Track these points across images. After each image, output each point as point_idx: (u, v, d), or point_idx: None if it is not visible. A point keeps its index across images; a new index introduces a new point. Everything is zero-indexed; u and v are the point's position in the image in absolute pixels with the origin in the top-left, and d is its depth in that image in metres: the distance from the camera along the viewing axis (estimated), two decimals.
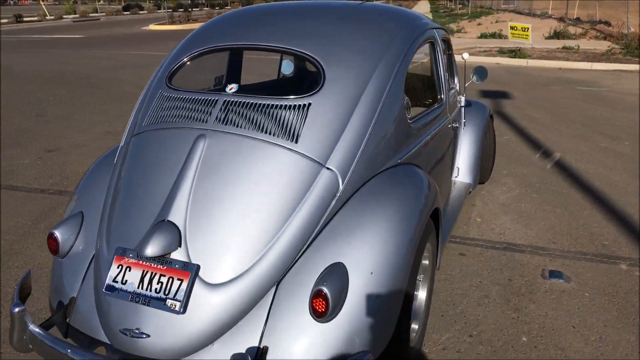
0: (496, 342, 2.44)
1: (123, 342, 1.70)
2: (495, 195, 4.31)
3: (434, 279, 2.50)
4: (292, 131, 1.94)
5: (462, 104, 3.77)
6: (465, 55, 3.72)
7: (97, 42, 17.84)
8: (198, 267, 1.72)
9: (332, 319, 1.68)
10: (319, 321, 1.67)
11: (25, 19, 31.37)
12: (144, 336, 1.68)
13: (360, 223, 1.86)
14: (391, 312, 1.81)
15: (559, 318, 2.64)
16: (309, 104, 2.00)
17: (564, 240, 3.49)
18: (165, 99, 2.15)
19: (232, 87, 2.14)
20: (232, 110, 2.02)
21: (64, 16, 35.44)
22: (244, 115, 2.00)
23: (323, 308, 1.64)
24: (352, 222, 1.86)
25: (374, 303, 1.75)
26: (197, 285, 1.70)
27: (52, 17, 33.75)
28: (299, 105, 2.00)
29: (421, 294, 2.39)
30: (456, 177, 3.93)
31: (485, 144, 4.24)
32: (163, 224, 1.78)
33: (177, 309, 1.68)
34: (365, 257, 1.78)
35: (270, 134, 1.94)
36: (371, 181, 2.04)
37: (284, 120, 1.96)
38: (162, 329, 1.67)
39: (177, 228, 1.77)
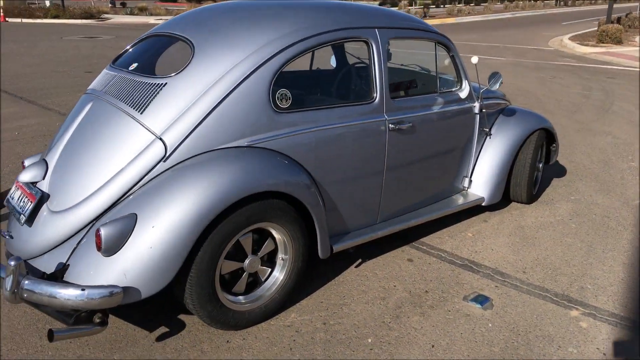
0: (343, 334, 2.53)
1: (6, 242, 2.49)
2: (523, 216, 3.93)
3: (300, 263, 2.66)
4: (141, 104, 2.45)
5: (476, 110, 3.60)
6: (475, 59, 3.54)
7: None
8: (46, 195, 2.40)
9: (111, 255, 2.17)
10: (103, 254, 2.17)
11: None
12: (9, 237, 2.44)
13: (166, 187, 2.26)
14: (164, 266, 2.17)
15: (428, 334, 2.55)
16: (165, 84, 2.47)
17: (537, 273, 3.13)
18: (103, 74, 2.86)
19: (133, 66, 2.73)
20: (117, 83, 2.64)
21: None
22: (121, 87, 2.60)
23: (99, 244, 2.14)
24: (163, 184, 2.28)
25: (148, 252, 2.16)
26: (43, 208, 2.38)
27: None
28: (156, 84, 2.49)
29: (276, 273, 2.64)
30: (466, 187, 3.77)
31: (521, 160, 3.92)
32: (41, 161, 2.53)
33: (22, 221, 2.39)
34: (155, 214, 2.20)
35: (127, 104, 2.49)
36: (201, 155, 2.40)
37: (140, 95, 2.48)
38: (17, 234, 2.41)
39: (47, 165, 2.49)
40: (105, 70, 2.85)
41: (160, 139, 2.36)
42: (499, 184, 3.81)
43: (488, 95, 3.89)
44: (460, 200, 3.70)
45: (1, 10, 24.12)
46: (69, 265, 2.24)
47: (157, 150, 2.35)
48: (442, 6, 42.38)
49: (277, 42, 2.59)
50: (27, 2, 29.80)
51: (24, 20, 24.51)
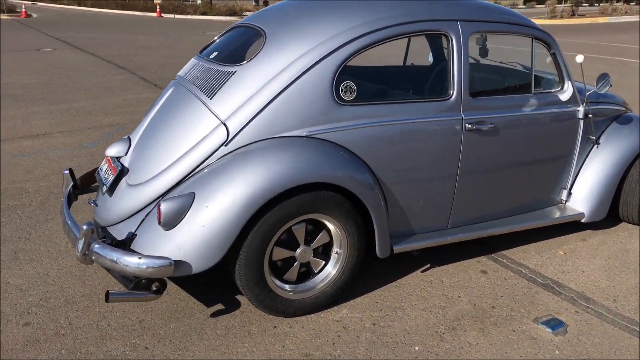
0: (391, 338, 2.44)
1: (94, 210, 2.76)
2: (631, 239, 3.47)
3: (354, 259, 2.62)
4: (212, 90, 2.57)
5: (580, 115, 3.26)
6: (579, 58, 3.17)
7: None
8: (126, 169, 2.62)
9: (169, 229, 2.31)
10: (162, 228, 2.32)
11: None
12: (95, 205, 2.71)
13: (223, 170, 2.35)
14: (213, 245, 2.25)
15: (482, 352, 2.36)
16: (234, 71, 2.56)
17: (630, 303, 2.74)
18: (190, 62, 3.04)
19: (213, 54, 2.86)
20: (196, 71, 2.82)
21: None
22: (199, 74, 2.76)
23: (159, 218, 2.29)
24: (222, 167, 2.37)
25: (201, 231, 2.26)
26: (122, 181, 2.60)
27: None
28: (227, 72, 2.59)
29: (329, 266, 2.62)
30: (563, 200, 3.43)
31: (633, 176, 3.47)
32: (126, 139, 2.78)
33: (104, 192, 2.64)
34: (211, 195, 2.29)
35: (200, 90, 2.64)
36: (260, 142, 2.45)
37: (212, 82, 2.61)
38: (100, 203, 2.66)
39: (130, 142, 2.73)
40: (192, 59, 3.04)
41: (224, 124, 2.46)
42: (603, 200, 3.41)
43: (598, 100, 3.50)
44: (555, 213, 3.37)
45: (158, 7, 26.79)
46: (136, 235, 2.43)
47: (220, 134, 2.45)
48: (595, 4, 38.81)
49: (344, 34, 2.56)
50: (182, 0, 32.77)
51: (177, 16, 26.96)
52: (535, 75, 3.36)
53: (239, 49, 2.78)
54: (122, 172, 2.64)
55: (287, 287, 2.54)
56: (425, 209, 2.88)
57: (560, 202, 3.47)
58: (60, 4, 36.56)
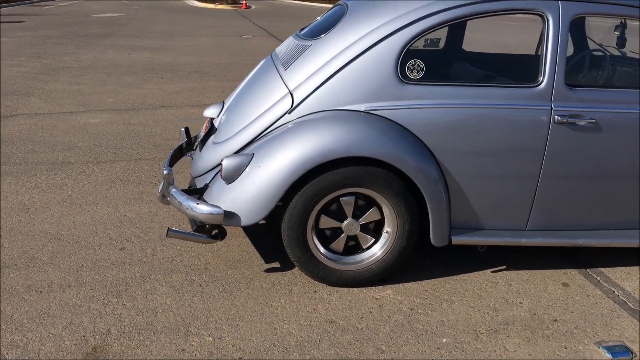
0: (422, 325, 2.37)
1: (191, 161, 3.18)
2: None
3: (404, 242, 2.58)
4: (288, 62, 2.74)
5: None
6: None
7: None
8: (215, 128, 2.95)
9: (229, 183, 2.56)
10: (224, 181, 2.59)
11: None
12: (191, 158, 3.12)
13: (281, 135, 2.51)
14: (259, 202, 2.43)
15: None
16: (310, 45, 2.69)
17: None
18: (286, 40, 3.25)
19: (304, 30, 3.02)
20: (285, 46, 3.04)
21: None
22: (285, 49, 2.98)
23: (221, 172, 2.56)
24: (281, 133, 2.53)
25: (251, 187, 2.46)
26: (210, 139, 2.94)
27: None
28: (305, 45, 2.73)
29: (378, 245, 2.62)
30: None
31: None
32: (221, 103, 3.13)
33: (196, 147, 3.01)
34: (265, 157, 2.48)
35: (281, 62, 2.85)
36: (320, 113, 2.54)
37: (292, 55, 2.78)
38: (195, 156, 3.04)
39: (223, 106, 3.06)
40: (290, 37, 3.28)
41: (291, 93, 2.62)
42: None
43: None
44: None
45: None
46: (208, 185, 2.75)
47: (286, 102, 2.62)
48: None
49: (416, 12, 2.51)
50: None
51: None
52: None
53: (324, 25, 2.90)
54: (211, 131, 2.99)
55: (331, 255, 2.62)
56: (498, 205, 2.69)
57: None
58: None
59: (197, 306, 2.46)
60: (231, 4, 28.64)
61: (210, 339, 2.25)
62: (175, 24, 15.72)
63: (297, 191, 2.46)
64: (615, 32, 3.23)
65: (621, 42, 3.21)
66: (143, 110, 5.92)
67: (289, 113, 2.61)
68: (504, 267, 2.89)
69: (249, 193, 2.47)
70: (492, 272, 2.84)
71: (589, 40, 3.40)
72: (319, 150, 2.41)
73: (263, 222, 3.22)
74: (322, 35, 2.72)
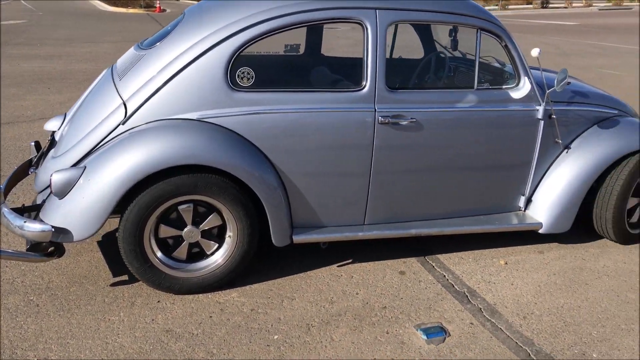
0: (258, 325, 2.46)
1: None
2: (599, 257, 3.08)
3: (245, 245, 2.65)
4: (124, 72, 2.74)
5: (540, 115, 2.95)
6: (535, 52, 2.85)
7: (579, 30, 17.53)
8: (55, 142, 2.91)
9: (60, 198, 2.50)
10: (56, 197, 2.54)
11: (551, 5, 32.93)
12: (35, 173, 3.05)
13: (112, 146, 2.50)
14: (90, 216, 2.42)
15: (337, 349, 2.29)
16: (144, 55, 2.71)
17: (540, 323, 2.47)
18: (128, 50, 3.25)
19: (145, 41, 3.03)
20: (126, 56, 3.02)
21: (595, 4, 34.93)
22: (125, 60, 2.96)
23: (50, 187, 2.50)
24: (113, 144, 2.52)
25: (80, 202, 2.43)
26: (50, 153, 2.89)
27: (581, 4, 33.94)
28: (139, 55, 2.75)
29: (221, 250, 2.68)
30: (522, 208, 3.14)
31: (608, 187, 3.07)
32: (62, 115, 3.12)
33: (37, 161, 2.96)
34: (96, 170, 2.45)
35: (117, 73, 2.83)
36: (155, 122, 2.56)
37: (128, 65, 2.78)
38: (38, 172, 2.98)
39: (65, 118, 3.07)
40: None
41: (124, 103, 2.62)
42: (565, 211, 3.05)
43: (571, 100, 3.13)
44: (508, 221, 3.09)
45: None
46: (44, 201, 2.70)
47: (120, 113, 2.61)
48: None
49: (243, 21, 2.59)
50: None
51: None
52: (485, 70, 3.12)
53: (162, 34, 2.92)
54: (52, 144, 2.94)
55: (173, 264, 2.66)
56: (336, 203, 2.82)
57: (519, 210, 3.17)
58: None
59: (29, 327, 2.41)
60: (144, 7, 27.79)
61: (36, 359, 2.22)
62: (79, 30, 15.12)
63: (129, 203, 2.48)
64: (450, 37, 3.46)
65: (454, 45, 3.44)
66: (19, 123, 5.68)
67: (123, 124, 2.61)
68: (350, 260, 3.04)
69: (80, 207, 2.46)
70: (338, 266, 2.98)
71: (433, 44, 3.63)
72: (148, 160, 2.43)
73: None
74: (157, 44, 2.74)
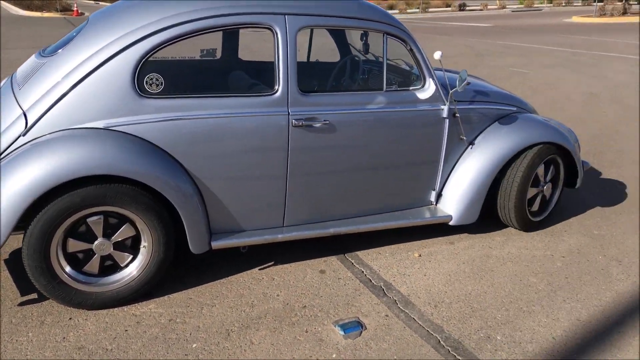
0: (176, 335, 2.43)
1: None
2: (504, 245, 3.29)
3: (161, 254, 2.62)
4: (24, 81, 2.62)
5: (445, 115, 3.10)
6: (437, 55, 3.01)
7: (492, 32, 18.42)
8: None
9: None
10: None
11: (468, 7, 34.52)
12: None
13: (14, 159, 2.38)
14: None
15: (257, 352, 2.31)
16: (45, 63, 2.60)
17: (450, 310, 2.61)
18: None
19: (48, 48, 2.93)
20: (26, 65, 2.89)
21: (508, 5, 36.95)
22: (26, 69, 2.83)
23: None
24: (14, 158, 2.40)
25: None
26: None
27: (496, 7, 35.78)
28: (40, 63, 2.64)
29: (136, 261, 2.63)
30: (433, 202, 3.29)
31: (509, 179, 3.28)
32: None
33: None
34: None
35: (17, 82, 2.71)
36: (58, 132, 2.46)
37: (28, 74, 2.66)
38: None
39: None
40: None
41: (24, 113, 2.51)
42: (471, 203, 3.23)
43: (473, 99, 3.32)
44: (420, 215, 3.23)
45: None
46: None
47: (20, 124, 2.50)
48: None
49: (150, 26, 2.55)
50: None
51: None
52: (394, 73, 3.24)
53: (64, 41, 2.82)
54: None
55: (85, 279, 2.57)
56: (254, 207, 2.84)
57: (431, 204, 3.33)
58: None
59: None
60: (61, 11, 26.53)
61: None
62: None
63: (33, 217, 2.38)
64: (361, 40, 3.58)
65: (366, 48, 3.56)
66: None
67: (24, 135, 2.50)
68: (271, 263, 3.07)
69: None
70: (259, 269, 3.00)
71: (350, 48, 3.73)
72: (50, 173, 2.34)
73: None
74: (59, 51, 2.65)
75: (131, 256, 2.65)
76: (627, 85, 8.52)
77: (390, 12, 29.02)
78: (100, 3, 37.69)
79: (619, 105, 7.14)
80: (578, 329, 2.50)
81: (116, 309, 2.62)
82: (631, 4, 28.09)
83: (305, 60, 3.94)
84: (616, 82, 8.85)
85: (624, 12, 26.00)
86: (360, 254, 3.17)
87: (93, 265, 2.59)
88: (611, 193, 4.15)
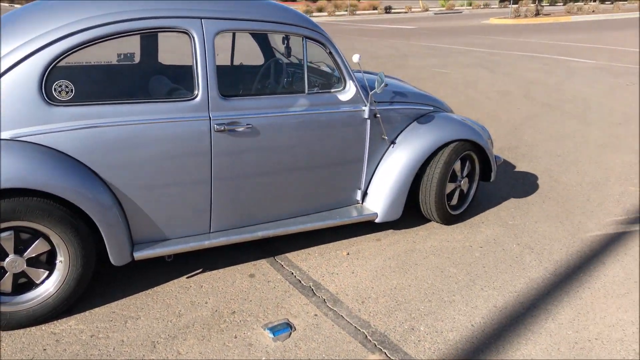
0: (98, 351, 2.35)
1: None
2: (426, 239, 3.43)
3: (80, 268, 2.52)
4: None
5: (366, 115, 3.18)
6: (356, 58, 3.10)
7: (416, 33, 19.01)
8: None
9: None
10: None
11: (394, 10, 35.49)
12: None
13: None
14: None
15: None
16: None
17: (377, 305, 2.69)
18: None
19: None
20: None
21: (431, 8, 38.32)
22: None
23: None
24: None
25: None
26: None
27: (419, 9, 37.00)
28: None
29: (52, 277, 2.51)
30: (359, 201, 3.36)
31: (428, 175, 3.41)
32: None
33: None
34: None
35: None
36: None
37: None
38: None
39: None
40: None
41: None
42: (395, 200, 3.34)
43: (393, 100, 3.44)
44: (347, 214, 3.30)
45: None
46: None
47: None
48: (559, 4, 38.90)
49: (57, 31, 2.45)
50: None
51: None
52: (316, 75, 3.30)
53: None
54: None
55: None
56: (178, 214, 2.79)
57: (357, 203, 3.41)
58: None
59: None
60: None
61: None
62: None
63: None
64: (283, 44, 3.60)
65: (288, 52, 3.59)
66: None
67: None
68: (200, 270, 3.03)
69: None
70: (187, 277, 2.95)
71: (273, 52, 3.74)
72: None
73: None
74: None
75: (47, 272, 2.53)
76: (538, 82, 9.07)
77: (319, 14, 29.33)
78: (15, 5, 35.56)
79: (530, 102, 7.60)
80: (495, 315, 2.64)
81: (33, 328, 2.49)
82: (543, 6, 29.91)
83: (228, 64, 3.93)
84: (528, 79, 9.41)
85: (537, 14, 27.67)
86: (290, 255, 3.20)
87: (5, 283, 2.45)
88: (524, 184, 4.41)
